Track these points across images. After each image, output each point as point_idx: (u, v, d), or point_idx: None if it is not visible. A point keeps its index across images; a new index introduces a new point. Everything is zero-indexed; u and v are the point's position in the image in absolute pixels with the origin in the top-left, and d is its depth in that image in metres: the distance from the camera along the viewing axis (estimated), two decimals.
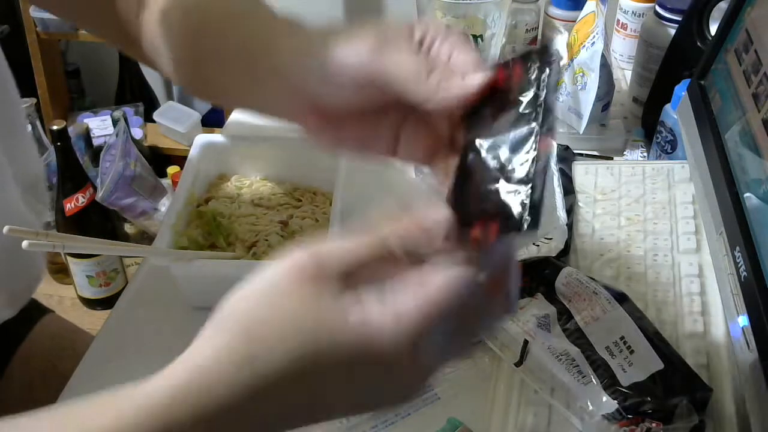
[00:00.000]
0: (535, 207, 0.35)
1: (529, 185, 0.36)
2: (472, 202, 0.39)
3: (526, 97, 0.40)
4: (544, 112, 0.39)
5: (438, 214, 0.37)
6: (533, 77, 0.40)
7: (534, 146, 0.37)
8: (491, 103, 0.42)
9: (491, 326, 0.40)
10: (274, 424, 0.36)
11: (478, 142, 0.41)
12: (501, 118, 0.41)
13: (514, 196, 0.36)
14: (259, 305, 0.36)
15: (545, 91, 0.39)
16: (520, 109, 0.39)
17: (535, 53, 0.41)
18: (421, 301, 0.35)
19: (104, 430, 0.34)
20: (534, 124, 0.38)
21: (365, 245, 0.36)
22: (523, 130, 0.39)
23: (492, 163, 0.39)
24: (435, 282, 0.35)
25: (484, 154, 0.40)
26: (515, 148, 0.38)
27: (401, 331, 0.34)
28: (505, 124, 0.40)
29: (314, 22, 0.49)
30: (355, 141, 0.48)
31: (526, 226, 0.35)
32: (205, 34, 0.53)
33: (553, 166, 0.78)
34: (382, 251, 0.36)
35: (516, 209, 0.36)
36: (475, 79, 0.41)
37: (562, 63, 0.40)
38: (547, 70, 0.40)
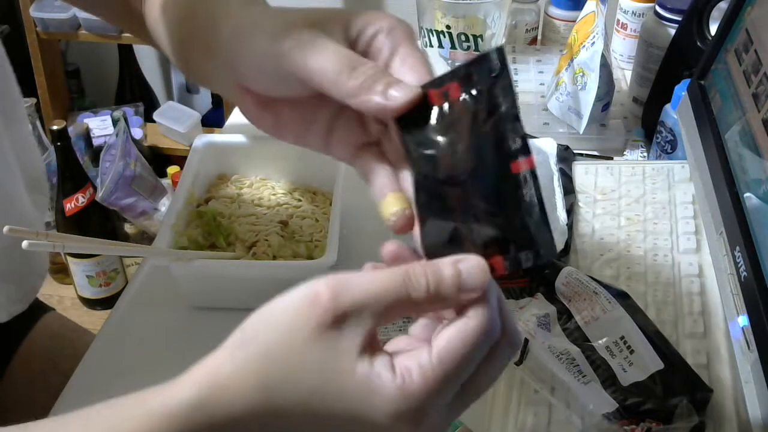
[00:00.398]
0: (549, 229, 0.35)
1: (537, 211, 0.35)
2: (456, 237, 0.37)
3: (478, 115, 0.37)
4: (512, 129, 0.36)
5: (477, 273, 0.35)
6: (477, 91, 0.37)
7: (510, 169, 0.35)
8: (432, 118, 0.38)
9: (503, 368, 0.38)
10: None
11: (428, 170, 0.38)
12: (448, 136, 0.37)
13: (527, 224, 0.35)
14: (279, 343, 0.35)
15: (505, 107, 0.36)
16: (476, 128, 0.36)
17: (474, 65, 0.37)
18: (429, 373, 0.34)
19: None
20: (509, 146, 0.35)
21: (388, 285, 0.35)
22: (490, 151, 0.36)
23: (472, 193, 0.36)
24: (445, 349, 0.35)
25: (447, 183, 0.37)
26: (490, 175, 0.36)
27: (406, 403, 0.34)
28: (462, 146, 0.37)
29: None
30: (291, 129, 0.46)
31: (553, 251, 0.35)
32: (186, 19, 0.52)
33: (553, 167, 0.78)
34: (407, 300, 0.35)
35: (541, 238, 0.35)
36: (398, 96, 0.38)
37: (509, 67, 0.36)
38: (496, 83, 0.36)
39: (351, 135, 0.44)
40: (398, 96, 0.38)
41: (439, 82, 0.38)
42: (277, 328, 0.35)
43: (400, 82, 0.39)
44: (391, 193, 0.41)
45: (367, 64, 0.40)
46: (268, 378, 0.35)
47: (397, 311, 0.35)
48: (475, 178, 0.36)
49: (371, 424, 0.35)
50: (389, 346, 0.38)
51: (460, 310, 0.36)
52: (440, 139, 0.38)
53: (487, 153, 0.36)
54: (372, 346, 0.36)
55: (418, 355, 0.35)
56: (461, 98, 0.38)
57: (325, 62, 0.40)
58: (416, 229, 0.39)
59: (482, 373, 0.37)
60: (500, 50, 0.37)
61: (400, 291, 0.35)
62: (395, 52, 0.41)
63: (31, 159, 0.80)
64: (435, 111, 0.38)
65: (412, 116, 0.38)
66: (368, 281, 0.35)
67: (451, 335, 0.35)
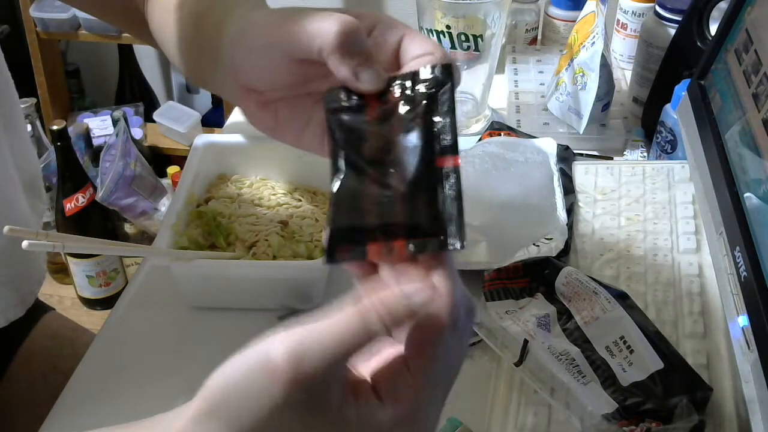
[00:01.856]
0: (462, 229, 0.35)
1: (454, 204, 0.36)
2: (367, 218, 0.37)
3: (414, 114, 0.39)
4: (446, 131, 0.38)
5: (411, 285, 0.35)
6: (415, 94, 0.39)
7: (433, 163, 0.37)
8: (364, 113, 0.40)
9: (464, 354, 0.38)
10: None
11: (352, 157, 0.39)
12: (378, 126, 0.40)
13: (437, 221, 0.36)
14: (251, 419, 0.34)
15: (442, 113, 0.38)
16: (407, 123, 0.39)
17: (415, 73, 0.40)
18: (414, 386, 0.35)
19: None
20: (438, 143, 0.37)
21: (345, 335, 0.33)
22: (419, 145, 0.38)
23: (381, 176, 0.38)
24: (418, 359, 0.35)
25: (370, 172, 0.39)
26: (414, 165, 0.37)
27: (403, 421, 0.35)
28: (390, 136, 0.39)
29: None
30: (289, 129, 0.48)
31: (460, 247, 0.35)
32: (197, 27, 0.54)
33: (553, 167, 0.78)
34: (364, 333, 0.34)
35: (452, 228, 0.35)
36: (367, 81, 0.40)
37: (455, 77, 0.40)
38: (439, 93, 0.39)
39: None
40: (367, 81, 0.40)
41: (392, 80, 0.41)
42: (245, 402, 0.34)
43: (373, 67, 0.40)
44: None
45: (361, 35, 0.41)
46: None
47: (363, 350, 0.34)
48: (398, 165, 0.38)
49: None
50: (364, 369, 0.37)
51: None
52: (368, 127, 0.40)
53: (415, 146, 0.38)
54: (351, 387, 0.35)
55: (397, 372, 0.35)
56: (401, 96, 0.40)
57: (320, 24, 0.41)
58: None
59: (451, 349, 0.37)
60: (448, 68, 0.40)
61: (359, 333, 0.34)
62: (403, 37, 0.43)
63: (29, 163, 0.80)
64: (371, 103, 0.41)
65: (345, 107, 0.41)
66: (325, 338, 0.33)
67: (419, 340, 0.35)
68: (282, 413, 0.33)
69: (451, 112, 0.38)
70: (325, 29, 0.41)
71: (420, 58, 0.41)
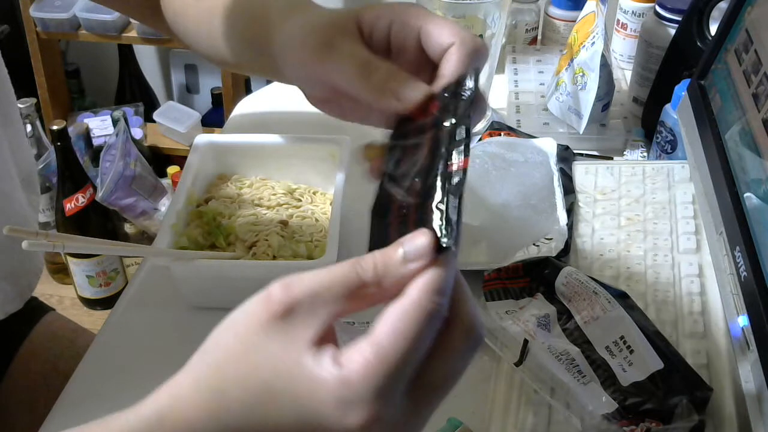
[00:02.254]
0: (451, 225, 0.35)
1: (444, 204, 0.36)
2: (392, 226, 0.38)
3: (441, 123, 0.40)
4: (450, 136, 0.39)
5: (417, 245, 0.35)
6: (448, 109, 0.41)
7: (442, 169, 0.37)
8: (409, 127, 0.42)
9: (464, 369, 0.36)
10: None
11: (391, 167, 0.41)
12: (416, 138, 0.41)
13: (432, 217, 0.36)
14: (234, 344, 0.35)
15: (454, 118, 0.39)
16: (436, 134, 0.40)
17: (452, 86, 0.42)
18: (370, 355, 0.33)
19: None
20: (442, 149, 0.38)
21: (337, 272, 0.35)
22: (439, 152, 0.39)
23: (407, 187, 0.39)
24: (383, 331, 0.33)
25: (398, 182, 0.40)
26: (428, 173, 0.38)
27: (347, 391, 0.33)
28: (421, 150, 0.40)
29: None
30: (356, 115, 0.50)
31: (446, 244, 0.34)
32: (249, 24, 0.57)
33: (553, 167, 0.78)
34: (357, 283, 0.34)
35: (436, 229, 0.35)
36: (410, 97, 0.42)
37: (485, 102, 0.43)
38: (459, 101, 0.40)
39: None
40: (410, 96, 0.42)
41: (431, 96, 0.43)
42: (232, 331, 0.35)
43: (408, 83, 0.42)
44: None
45: (379, 67, 0.44)
46: (222, 382, 0.34)
47: (352, 300, 0.34)
48: (420, 174, 0.39)
49: (322, 425, 0.34)
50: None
51: None
52: (406, 140, 0.42)
53: (435, 154, 0.39)
54: (326, 340, 0.35)
55: (360, 342, 0.34)
56: (438, 107, 0.42)
57: (342, 72, 0.45)
58: None
59: (435, 364, 0.35)
60: (476, 75, 0.42)
61: (350, 275, 0.34)
62: (421, 33, 0.45)
63: (25, 158, 0.80)
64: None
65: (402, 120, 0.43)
66: (319, 273, 0.35)
67: (388, 315, 0.34)
68: (262, 334, 0.34)
69: (467, 117, 0.39)
70: (348, 80, 0.45)
71: (448, 51, 0.43)
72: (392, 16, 0.45)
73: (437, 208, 0.36)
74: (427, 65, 0.46)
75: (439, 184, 0.37)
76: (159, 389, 0.36)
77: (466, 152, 0.37)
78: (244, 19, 0.56)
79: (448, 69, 0.43)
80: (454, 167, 0.37)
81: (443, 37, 0.44)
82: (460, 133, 0.38)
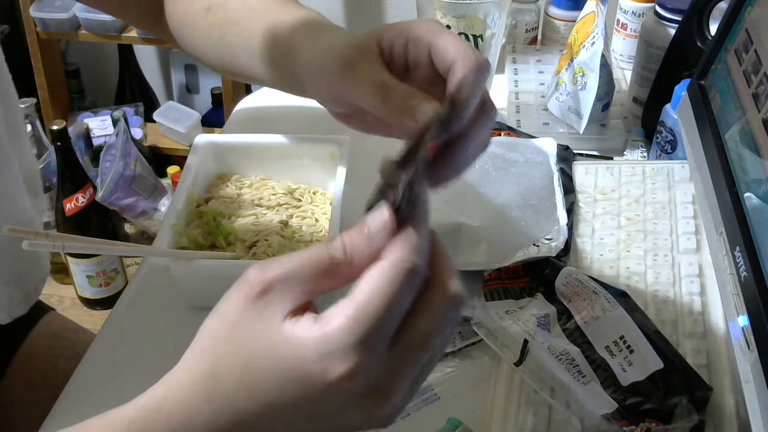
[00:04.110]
0: (405, 192, 0.37)
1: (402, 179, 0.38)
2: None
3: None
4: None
5: (377, 218, 0.36)
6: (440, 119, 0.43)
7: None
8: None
9: (444, 330, 0.37)
10: None
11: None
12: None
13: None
14: (219, 328, 0.37)
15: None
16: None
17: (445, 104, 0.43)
18: (349, 310, 0.34)
19: None
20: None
21: (310, 253, 0.36)
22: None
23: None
24: (361, 289, 0.35)
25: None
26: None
27: (328, 345, 0.34)
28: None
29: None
30: (379, 129, 0.52)
31: (402, 208, 0.37)
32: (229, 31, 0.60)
33: (553, 167, 0.78)
34: (329, 261, 0.36)
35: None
36: (423, 115, 0.44)
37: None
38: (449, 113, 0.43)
39: None
40: (425, 116, 0.44)
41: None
42: (216, 318, 0.38)
43: (422, 104, 0.45)
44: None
45: (396, 89, 0.46)
46: (212, 365, 0.36)
47: (326, 277, 0.36)
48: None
49: (306, 382, 0.35)
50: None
51: None
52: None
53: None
54: (305, 310, 0.36)
55: (338, 303, 0.35)
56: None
57: (361, 94, 0.48)
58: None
59: (416, 322, 0.36)
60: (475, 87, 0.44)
61: (321, 253, 0.36)
62: (430, 49, 0.47)
63: (29, 161, 0.80)
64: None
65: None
66: (293, 255, 0.37)
67: (366, 277, 0.35)
68: (242, 314, 0.36)
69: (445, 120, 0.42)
70: (367, 102, 0.48)
71: (451, 68, 0.45)
72: (407, 34, 0.48)
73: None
74: (441, 79, 0.48)
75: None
76: (157, 383, 0.38)
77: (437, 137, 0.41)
78: (266, 41, 0.58)
79: (450, 86, 0.45)
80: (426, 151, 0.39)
81: (448, 53, 0.46)
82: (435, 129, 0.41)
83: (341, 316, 0.34)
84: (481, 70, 0.45)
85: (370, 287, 0.34)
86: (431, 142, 0.40)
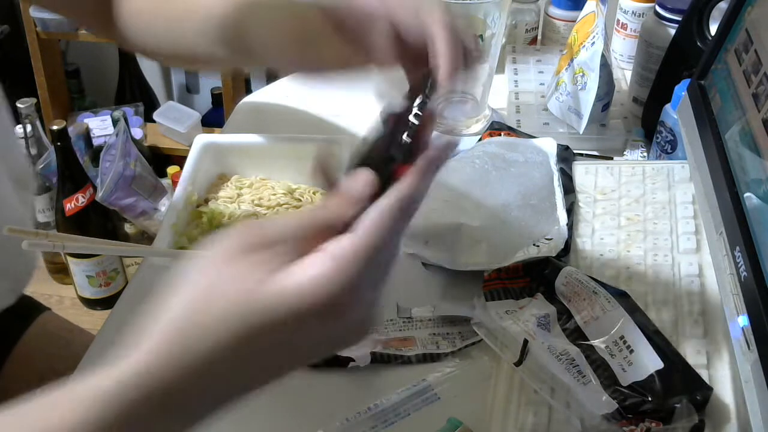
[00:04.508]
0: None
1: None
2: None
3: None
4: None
5: (358, 180, 0.40)
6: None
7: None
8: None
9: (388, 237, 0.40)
10: (228, 392, 0.38)
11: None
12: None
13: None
14: (202, 276, 0.38)
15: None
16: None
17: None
18: (354, 243, 0.37)
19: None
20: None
21: (296, 219, 0.39)
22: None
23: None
24: (363, 225, 0.38)
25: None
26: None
27: (340, 275, 0.36)
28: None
29: None
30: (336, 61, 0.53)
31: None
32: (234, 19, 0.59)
33: (553, 167, 0.78)
34: (315, 223, 0.39)
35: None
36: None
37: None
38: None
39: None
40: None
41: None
42: (196, 270, 0.39)
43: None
44: None
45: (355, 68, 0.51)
46: (190, 329, 0.37)
47: (317, 232, 0.38)
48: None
49: (316, 312, 0.36)
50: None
51: None
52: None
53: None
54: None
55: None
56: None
57: (324, 70, 0.52)
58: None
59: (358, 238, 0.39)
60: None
61: (305, 215, 0.39)
62: (427, 38, 0.48)
63: (16, 159, 0.80)
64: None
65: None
66: (278, 219, 0.40)
67: (372, 209, 0.39)
68: (227, 265, 0.38)
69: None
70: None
71: (431, 46, 0.47)
72: (416, 22, 0.49)
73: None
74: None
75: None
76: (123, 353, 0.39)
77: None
78: (218, 18, 0.58)
79: (435, 67, 0.47)
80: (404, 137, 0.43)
81: (438, 54, 0.47)
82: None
83: (350, 242, 0.37)
84: (458, 47, 0.47)
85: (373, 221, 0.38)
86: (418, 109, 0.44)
